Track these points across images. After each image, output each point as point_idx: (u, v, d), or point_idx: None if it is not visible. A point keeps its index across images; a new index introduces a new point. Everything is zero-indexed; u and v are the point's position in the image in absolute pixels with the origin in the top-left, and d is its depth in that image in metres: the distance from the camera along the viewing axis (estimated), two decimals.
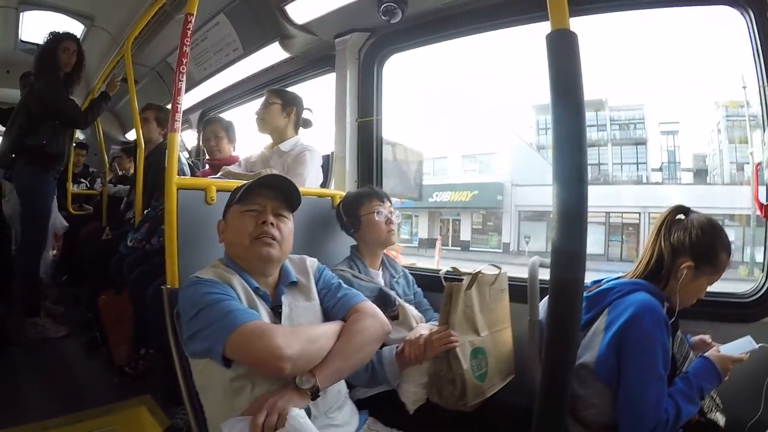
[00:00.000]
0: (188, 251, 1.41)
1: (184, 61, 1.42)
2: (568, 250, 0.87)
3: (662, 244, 1.33)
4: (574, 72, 0.86)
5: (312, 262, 1.40)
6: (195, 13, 1.48)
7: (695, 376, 1.28)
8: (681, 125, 18.03)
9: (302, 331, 1.14)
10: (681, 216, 1.36)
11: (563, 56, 0.86)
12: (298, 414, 1.01)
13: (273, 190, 1.28)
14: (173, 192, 1.38)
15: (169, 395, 1.87)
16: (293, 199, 1.31)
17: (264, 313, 1.20)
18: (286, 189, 1.30)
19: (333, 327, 1.22)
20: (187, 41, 1.44)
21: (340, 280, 1.41)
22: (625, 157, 18.39)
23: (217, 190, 1.50)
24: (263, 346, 1.03)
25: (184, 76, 1.43)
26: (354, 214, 1.75)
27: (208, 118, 2.83)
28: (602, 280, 1.41)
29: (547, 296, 1.43)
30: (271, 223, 1.23)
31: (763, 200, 1.60)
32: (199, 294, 1.13)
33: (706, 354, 1.34)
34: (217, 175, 2.08)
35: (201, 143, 2.75)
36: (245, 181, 1.32)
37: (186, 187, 1.46)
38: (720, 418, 1.40)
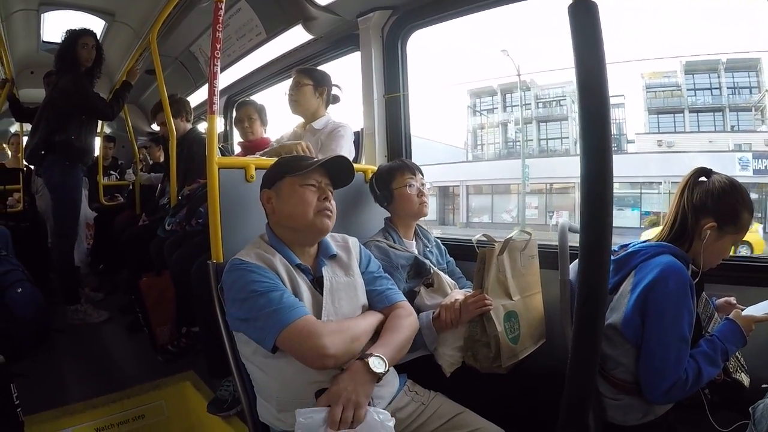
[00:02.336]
0: (230, 227, 1.47)
1: (218, 47, 1.46)
2: (596, 215, 0.90)
3: (685, 206, 1.34)
4: (597, 41, 0.87)
5: (354, 242, 1.46)
6: (224, 1, 1.52)
7: (720, 338, 1.29)
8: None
9: (346, 328, 1.20)
10: (703, 178, 1.36)
11: (586, 26, 0.87)
12: (378, 412, 1.07)
13: (326, 168, 1.35)
14: (215, 171, 1.43)
15: (212, 369, 1.93)
16: (338, 180, 1.39)
17: (305, 288, 1.26)
18: (344, 174, 1.39)
19: (372, 320, 1.29)
20: (219, 28, 1.47)
21: (387, 275, 1.47)
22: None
23: (256, 168, 1.55)
24: (311, 345, 1.10)
25: (219, 60, 1.47)
26: (387, 187, 1.79)
27: (242, 101, 2.86)
28: (629, 244, 1.43)
29: (577, 259, 1.50)
30: (330, 200, 1.32)
31: None
32: (246, 281, 1.18)
33: (730, 316, 1.35)
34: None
35: (233, 125, 2.80)
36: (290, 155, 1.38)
37: (227, 166, 1.52)
38: (745, 378, 1.41)
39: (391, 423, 1.07)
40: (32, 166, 3.69)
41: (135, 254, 2.75)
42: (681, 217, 1.35)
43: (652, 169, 15.59)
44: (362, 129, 2.46)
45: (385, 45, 2.39)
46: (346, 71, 2.79)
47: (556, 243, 1.84)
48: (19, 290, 2.60)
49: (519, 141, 20.39)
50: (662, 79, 17.04)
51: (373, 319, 1.30)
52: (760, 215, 12.83)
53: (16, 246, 3.12)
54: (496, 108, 21.80)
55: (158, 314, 2.57)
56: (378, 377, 1.13)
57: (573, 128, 19.32)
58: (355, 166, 2.13)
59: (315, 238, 1.34)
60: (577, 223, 1.02)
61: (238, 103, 2.85)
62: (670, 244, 1.34)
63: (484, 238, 1.62)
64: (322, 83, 2.19)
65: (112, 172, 4.76)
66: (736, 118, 15.87)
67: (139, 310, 2.63)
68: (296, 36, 2.75)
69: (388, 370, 1.14)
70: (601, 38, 0.87)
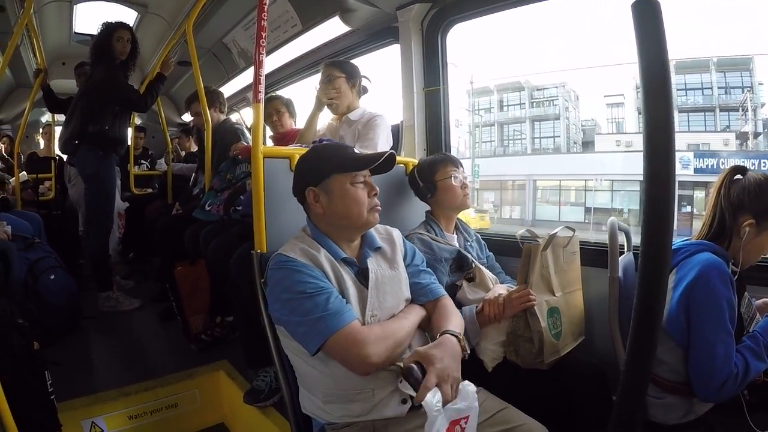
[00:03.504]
0: (274, 217, 1.47)
1: (263, 35, 1.47)
2: (657, 214, 0.89)
3: (722, 204, 1.33)
4: (660, 40, 0.86)
5: (399, 235, 1.45)
6: None
7: (762, 333, 1.28)
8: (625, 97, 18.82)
9: (391, 333, 1.19)
10: (738, 176, 1.35)
11: (649, 25, 0.85)
12: (468, 385, 1.08)
13: (374, 166, 1.33)
14: (260, 160, 1.43)
15: (250, 360, 1.93)
16: (377, 169, 1.35)
17: (350, 283, 1.25)
18: (384, 164, 1.33)
19: (415, 320, 1.29)
20: (264, 15, 1.48)
21: (430, 269, 1.46)
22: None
23: None
24: (355, 353, 1.11)
25: (264, 49, 1.48)
26: (430, 179, 1.77)
27: (268, 96, 2.89)
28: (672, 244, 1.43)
29: (622, 257, 1.48)
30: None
31: None
32: (292, 281, 1.17)
33: None
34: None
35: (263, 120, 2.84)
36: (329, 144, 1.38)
37: (272, 155, 1.52)
38: None
39: (473, 389, 1.08)
40: (65, 156, 3.74)
41: (168, 243, 2.77)
42: (719, 215, 1.34)
43: (605, 168, 16.77)
44: (402, 122, 2.45)
45: (425, 38, 2.37)
46: (381, 63, 2.79)
47: (596, 240, 1.82)
48: (52, 277, 2.65)
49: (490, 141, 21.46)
50: None
51: (416, 317, 1.30)
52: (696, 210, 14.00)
53: (47, 233, 3.20)
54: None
55: (192, 303, 2.58)
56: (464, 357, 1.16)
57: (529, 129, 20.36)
58: (397, 158, 2.15)
59: (362, 232, 1.34)
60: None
61: (265, 99, 2.87)
62: (711, 243, 1.33)
63: (528, 234, 1.60)
64: (353, 75, 2.18)
65: (143, 161, 4.82)
66: (728, 117, 16.04)
67: (173, 298, 2.65)
68: (333, 28, 2.73)
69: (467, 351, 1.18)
70: (665, 37, 0.85)
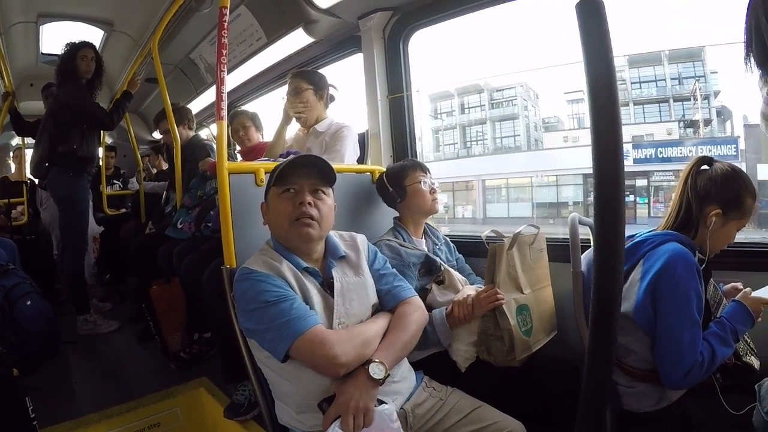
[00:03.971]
0: (242, 232, 1.47)
1: (224, 52, 1.48)
2: (608, 207, 0.91)
3: (689, 194, 1.37)
4: (604, 38, 0.88)
5: (363, 240, 1.45)
6: (228, 5, 1.52)
7: (729, 319, 1.31)
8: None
9: (357, 334, 1.20)
10: (705, 166, 1.38)
11: (592, 24, 0.87)
12: (383, 409, 1.12)
13: (309, 168, 1.30)
14: (225, 176, 1.43)
15: (227, 375, 1.93)
16: (330, 174, 1.33)
17: (314, 292, 1.25)
18: (320, 165, 1.31)
19: (383, 323, 1.28)
20: (224, 33, 1.49)
21: (394, 270, 1.46)
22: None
23: (266, 173, 1.54)
24: (322, 354, 1.12)
25: (226, 66, 1.48)
26: (399, 184, 1.79)
27: (233, 112, 2.91)
28: (636, 234, 1.45)
29: (586, 251, 1.51)
30: (309, 203, 1.26)
31: None
32: (255, 291, 1.18)
33: (737, 297, 1.37)
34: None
35: (230, 135, 2.85)
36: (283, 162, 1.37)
37: (236, 171, 1.52)
38: (755, 361, 1.42)
39: (395, 416, 1.13)
40: (36, 179, 3.70)
41: (143, 262, 2.75)
42: (685, 205, 1.38)
43: (555, 163, 17.31)
44: (367, 130, 2.46)
45: (387, 46, 2.40)
46: (347, 72, 2.81)
47: (564, 236, 1.86)
48: (29, 303, 2.62)
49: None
50: None
51: (383, 321, 1.30)
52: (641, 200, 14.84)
53: (22, 258, 3.14)
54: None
55: (169, 321, 2.56)
56: (379, 383, 1.15)
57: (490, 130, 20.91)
58: (362, 167, 2.16)
59: (304, 245, 1.30)
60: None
61: (230, 115, 2.88)
62: (676, 232, 1.36)
63: (494, 234, 1.63)
64: (321, 86, 2.18)
65: (115, 181, 4.77)
66: (682, 107, 16.42)
67: (150, 317, 2.62)
68: (297, 39, 2.76)
69: (387, 375, 1.16)
70: (609, 36, 0.87)
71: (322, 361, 1.12)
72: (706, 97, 15.46)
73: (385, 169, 1.94)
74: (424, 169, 1.83)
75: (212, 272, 1.77)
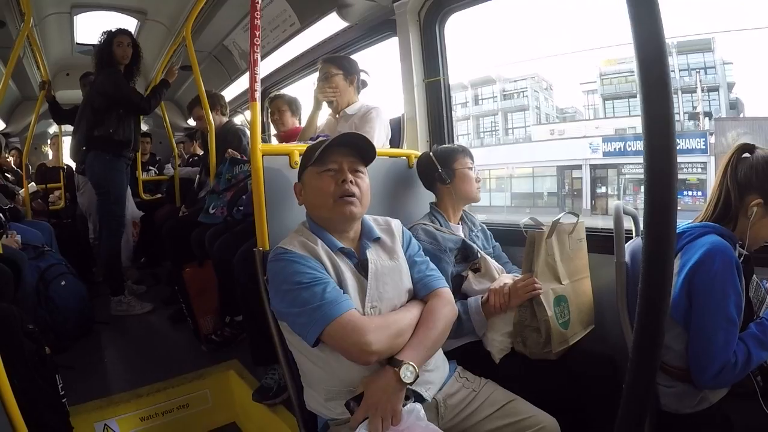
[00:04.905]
0: (276, 214, 1.47)
1: (257, 34, 1.45)
2: (660, 199, 0.87)
3: (728, 184, 1.29)
4: (656, 20, 0.85)
5: (398, 225, 1.43)
6: None
7: None
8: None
9: (392, 322, 1.18)
10: (746, 154, 1.31)
11: (645, 13, 0.85)
12: (411, 409, 1.11)
13: (347, 147, 1.29)
14: (259, 158, 1.42)
15: (256, 358, 1.93)
16: (368, 153, 1.32)
17: (349, 274, 1.24)
18: (360, 144, 1.31)
19: (416, 313, 1.25)
20: (257, 15, 1.46)
21: (428, 258, 1.43)
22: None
23: (300, 155, 1.50)
24: (355, 340, 1.09)
25: (259, 48, 1.46)
26: (449, 165, 1.76)
27: (273, 95, 2.95)
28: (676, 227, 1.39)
29: (630, 242, 1.45)
30: (351, 181, 1.25)
31: None
32: (289, 272, 1.17)
33: None
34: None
35: (268, 119, 2.88)
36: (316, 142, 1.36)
37: (270, 152, 1.51)
38: None
39: (422, 413, 1.12)
40: (73, 165, 3.79)
41: (176, 245, 2.80)
42: (725, 195, 1.31)
43: (542, 155, 17.41)
44: (403, 114, 2.44)
45: (423, 29, 2.37)
46: (382, 57, 2.80)
47: (605, 227, 1.79)
48: (63, 283, 2.69)
49: None
50: (616, 66, 17.23)
51: (416, 311, 1.27)
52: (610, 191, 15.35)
53: (58, 242, 3.24)
54: None
55: (201, 304, 2.60)
56: (408, 385, 1.13)
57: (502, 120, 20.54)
58: (398, 151, 2.14)
59: (346, 224, 1.29)
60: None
61: (270, 98, 2.91)
62: (716, 224, 1.30)
63: (532, 222, 1.59)
64: (351, 71, 2.16)
65: (150, 167, 4.87)
66: (690, 98, 15.93)
67: (183, 300, 2.67)
68: (331, 24, 2.75)
69: (417, 377, 1.13)
70: (660, 17, 0.83)
71: (354, 348, 1.10)
72: (715, 89, 15.05)
73: (420, 154, 1.92)
74: (472, 158, 1.81)
75: (244, 254, 1.78)
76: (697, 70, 15.10)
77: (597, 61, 17.21)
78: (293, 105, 2.88)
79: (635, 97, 16.43)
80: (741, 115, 14.79)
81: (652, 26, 0.83)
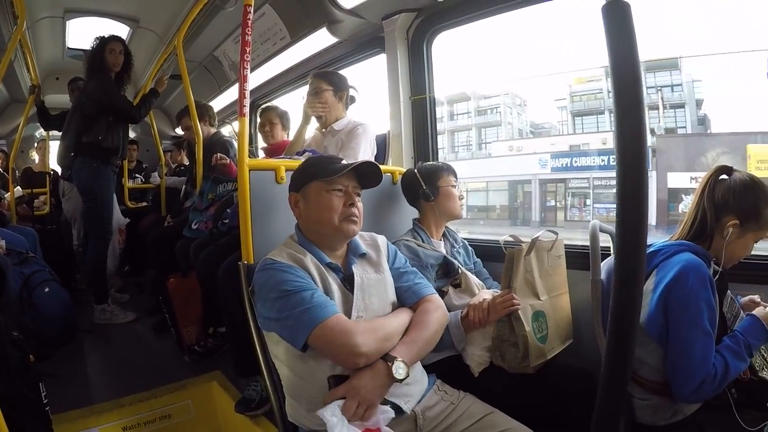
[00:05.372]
0: (261, 229, 1.49)
1: (248, 50, 1.49)
2: (631, 212, 0.90)
3: (705, 204, 1.34)
4: (630, 40, 0.87)
5: (383, 240, 1.47)
6: (253, 4, 1.54)
7: (742, 333, 1.29)
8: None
9: (379, 327, 1.21)
10: (724, 176, 1.36)
11: (619, 25, 0.86)
12: (384, 411, 1.13)
13: (354, 171, 1.35)
14: (246, 173, 1.45)
15: (239, 369, 1.94)
16: (372, 179, 1.40)
17: (335, 288, 1.27)
18: (371, 176, 1.39)
19: (404, 319, 1.29)
20: (248, 31, 1.50)
21: (415, 269, 1.47)
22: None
23: (286, 170, 1.56)
24: (343, 342, 1.12)
25: (249, 63, 1.49)
26: (433, 182, 1.80)
27: (265, 106, 2.98)
28: (651, 244, 1.42)
29: (607, 259, 1.49)
30: (355, 205, 1.33)
31: None
32: (277, 280, 1.20)
33: (753, 312, 1.34)
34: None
35: (257, 129, 2.89)
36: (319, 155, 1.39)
37: (257, 167, 1.54)
38: None
39: (390, 417, 1.13)
40: (59, 170, 3.77)
41: (161, 255, 2.81)
42: (701, 215, 1.35)
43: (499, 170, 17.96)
44: (389, 131, 2.47)
45: (411, 47, 2.41)
46: (369, 73, 2.84)
47: (583, 243, 1.83)
48: (47, 290, 2.66)
49: None
50: (586, 84, 17.84)
51: (405, 317, 1.30)
52: (558, 204, 16.07)
53: (43, 248, 3.20)
54: None
55: (185, 314, 2.59)
56: (397, 381, 1.15)
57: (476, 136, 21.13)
58: (383, 167, 2.16)
59: (342, 241, 1.36)
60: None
61: (261, 108, 2.93)
62: (691, 243, 1.34)
63: (511, 239, 1.63)
64: (341, 87, 2.19)
65: (137, 175, 4.86)
66: (657, 115, 16.45)
67: (166, 310, 2.67)
68: (321, 39, 2.79)
69: (408, 375, 1.16)
70: (635, 37, 0.86)
71: (343, 349, 1.13)
72: (681, 106, 15.54)
73: (405, 170, 1.95)
74: (456, 176, 1.86)
75: (228, 267, 1.80)
76: (659, 88, 15.60)
77: (568, 79, 17.80)
78: (284, 118, 2.90)
79: (603, 113, 17.08)
80: (708, 131, 15.25)
81: (627, 52, 0.87)
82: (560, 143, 17.03)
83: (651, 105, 15.42)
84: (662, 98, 15.26)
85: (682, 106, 15.20)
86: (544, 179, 16.12)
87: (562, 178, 15.93)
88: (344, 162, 1.35)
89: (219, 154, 2.57)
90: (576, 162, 15.60)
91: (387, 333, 1.21)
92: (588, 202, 15.45)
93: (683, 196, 12.69)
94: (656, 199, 13.07)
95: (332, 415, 1.05)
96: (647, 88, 15.50)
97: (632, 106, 0.87)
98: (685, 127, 15.05)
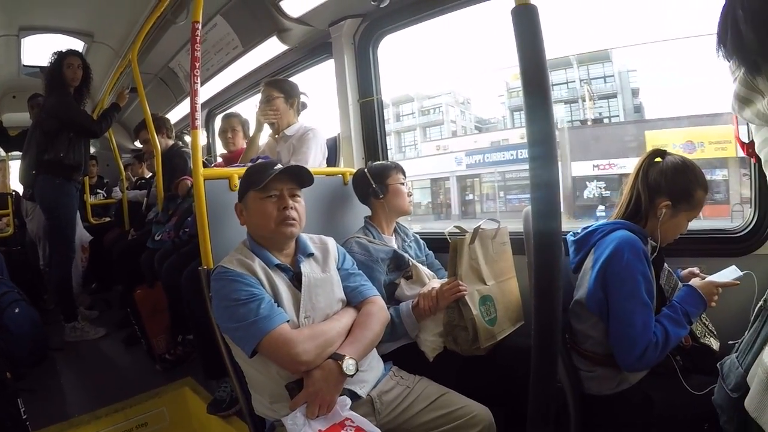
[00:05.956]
0: (218, 234, 1.55)
1: (197, 65, 1.55)
2: (543, 198, 0.98)
3: (639, 187, 1.43)
4: (537, 41, 0.94)
5: (333, 243, 1.55)
6: (201, 20, 1.59)
7: (680, 302, 1.37)
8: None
9: (320, 333, 1.29)
10: (658, 159, 1.44)
11: (527, 28, 0.94)
12: (342, 402, 1.24)
13: (287, 173, 1.40)
14: (201, 183, 1.52)
15: (208, 371, 1.99)
16: (305, 179, 1.44)
17: (284, 288, 1.35)
18: (302, 176, 1.43)
19: (346, 321, 1.38)
20: (197, 47, 1.56)
21: (361, 271, 1.56)
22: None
23: (239, 178, 1.59)
24: (285, 353, 1.21)
25: (198, 78, 1.56)
26: (382, 181, 1.87)
27: (228, 113, 2.98)
28: (588, 226, 1.52)
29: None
30: (291, 207, 1.38)
31: (744, 139, 1.65)
32: (228, 290, 1.28)
33: (689, 282, 1.42)
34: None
35: (218, 135, 2.89)
36: (254, 163, 1.47)
37: (212, 177, 1.60)
38: (713, 343, 1.48)
39: (348, 404, 1.25)
40: (20, 191, 3.72)
41: (126, 268, 2.82)
42: (635, 197, 1.44)
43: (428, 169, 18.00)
44: (339, 133, 2.54)
45: (357, 51, 2.48)
46: (320, 78, 2.89)
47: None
48: (17, 310, 2.64)
49: None
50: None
51: (348, 319, 1.39)
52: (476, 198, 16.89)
53: (9, 269, 3.15)
54: None
55: (154, 325, 2.63)
56: (349, 377, 1.25)
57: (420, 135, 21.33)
58: (333, 169, 2.23)
59: (285, 242, 1.42)
60: None
61: (225, 114, 2.94)
62: (627, 221, 1.43)
63: (457, 230, 1.72)
64: (292, 94, 2.26)
65: (98, 190, 4.80)
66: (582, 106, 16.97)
67: (135, 321, 2.70)
68: (271, 47, 2.83)
69: (357, 370, 1.26)
70: (542, 38, 0.94)
71: (286, 358, 1.22)
72: (614, 96, 15.76)
73: (355, 171, 2.01)
74: (404, 173, 1.93)
75: (190, 273, 1.85)
76: (583, 81, 15.92)
77: (506, 76, 17.89)
78: (246, 127, 2.92)
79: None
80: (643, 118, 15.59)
81: (535, 52, 0.95)
82: (482, 140, 17.67)
83: (575, 98, 15.89)
84: (589, 90, 15.58)
85: (614, 96, 15.53)
86: (461, 175, 16.67)
87: (477, 174, 16.62)
88: (278, 167, 1.41)
89: (184, 181, 2.60)
90: (488, 158, 16.22)
91: (328, 339, 1.29)
92: (501, 194, 15.96)
93: (587, 183, 13.29)
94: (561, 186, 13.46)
95: (293, 423, 1.18)
96: (581, 80, 15.92)
97: (541, 102, 0.95)
98: (618, 116, 15.41)
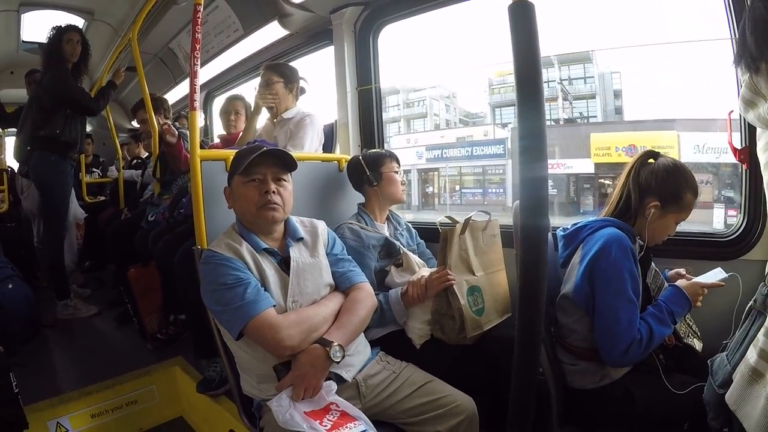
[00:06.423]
0: (213, 214, 1.57)
1: (198, 47, 1.55)
2: (532, 192, 0.99)
3: (630, 186, 1.45)
4: (533, 38, 0.94)
5: (323, 227, 1.56)
6: (202, 1, 1.60)
7: (665, 301, 1.39)
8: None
9: (306, 319, 1.31)
10: (651, 160, 1.46)
11: (523, 24, 0.94)
12: (327, 386, 1.27)
13: (271, 157, 1.40)
14: (198, 163, 1.53)
15: (198, 351, 2.00)
16: (291, 163, 1.44)
17: (272, 272, 1.37)
18: (283, 157, 1.43)
19: (333, 306, 1.40)
20: (198, 28, 1.56)
21: (351, 257, 1.57)
22: None
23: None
24: (270, 337, 1.24)
25: (199, 60, 1.56)
26: (376, 168, 1.88)
27: (233, 95, 2.95)
28: (577, 222, 1.53)
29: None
30: (274, 191, 1.38)
31: (737, 145, 1.60)
32: (216, 274, 1.30)
33: (675, 283, 1.45)
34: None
35: (220, 115, 2.86)
36: (244, 148, 1.48)
37: (208, 158, 1.61)
38: (697, 343, 1.50)
39: (334, 390, 1.28)
40: (15, 168, 3.70)
41: (120, 247, 2.83)
42: (625, 196, 1.46)
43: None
44: (336, 120, 2.54)
45: (358, 39, 2.49)
46: (320, 65, 2.89)
47: (429, 219, 1.92)
48: (10, 286, 2.66)
49: None
50: (504, 77, 17.74)
51: (334, 304, 1.41)
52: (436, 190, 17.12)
53: (3, 245, 3.17)
54: None
55: (146, 304, 2.65)
56: (335, 363, 1.28)
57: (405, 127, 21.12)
58: (329, 155, 2.24)
59: (269, 226, 1.43)
60: None
61: (229, 96, 2.92)
62: (616, 219, 1.45)
63: (448, 220, 1.74)
64: (291, 79, 2.25)
65: (94, 169, 4.79)
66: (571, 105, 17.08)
67: (128, 300, 2.71)
68: (272, 32, 2.84)
69: (344, 356, 1.29)
70: (537, 35, 0.95)
71: (271, 342, 1.25)
72: (592, 97, 15.80)
73: (350, 158, 2.03)
74: (399, 162, 1.94)
75: (184, 253, 1.87)
76: (560, 81, 15.86)
77: (490, 73, 17.91)
78: (248, 110, 2.86)
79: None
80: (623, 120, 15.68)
81: (530, 49, 0.96)
82: (449, 136, 18.05)
83: (552, 97, 15.81)
84: (563, 90, 15.59)
85: (593, 96, 15.57)
86: (422, 168, 16.95)
87: (436, 167, 16.92)
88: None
89: (166, 124, 2.59)
90: (446, 153, 16.65)
91: (313, 324, 1.32)
92: (457, 188, 16.27)
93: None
94: (511, 184, 14.03)
95: (279, 405, 1.20)
96: (561, 80, 15.88)
97: (533, 98, 0.96)
98: (596, 117, 15.48)
